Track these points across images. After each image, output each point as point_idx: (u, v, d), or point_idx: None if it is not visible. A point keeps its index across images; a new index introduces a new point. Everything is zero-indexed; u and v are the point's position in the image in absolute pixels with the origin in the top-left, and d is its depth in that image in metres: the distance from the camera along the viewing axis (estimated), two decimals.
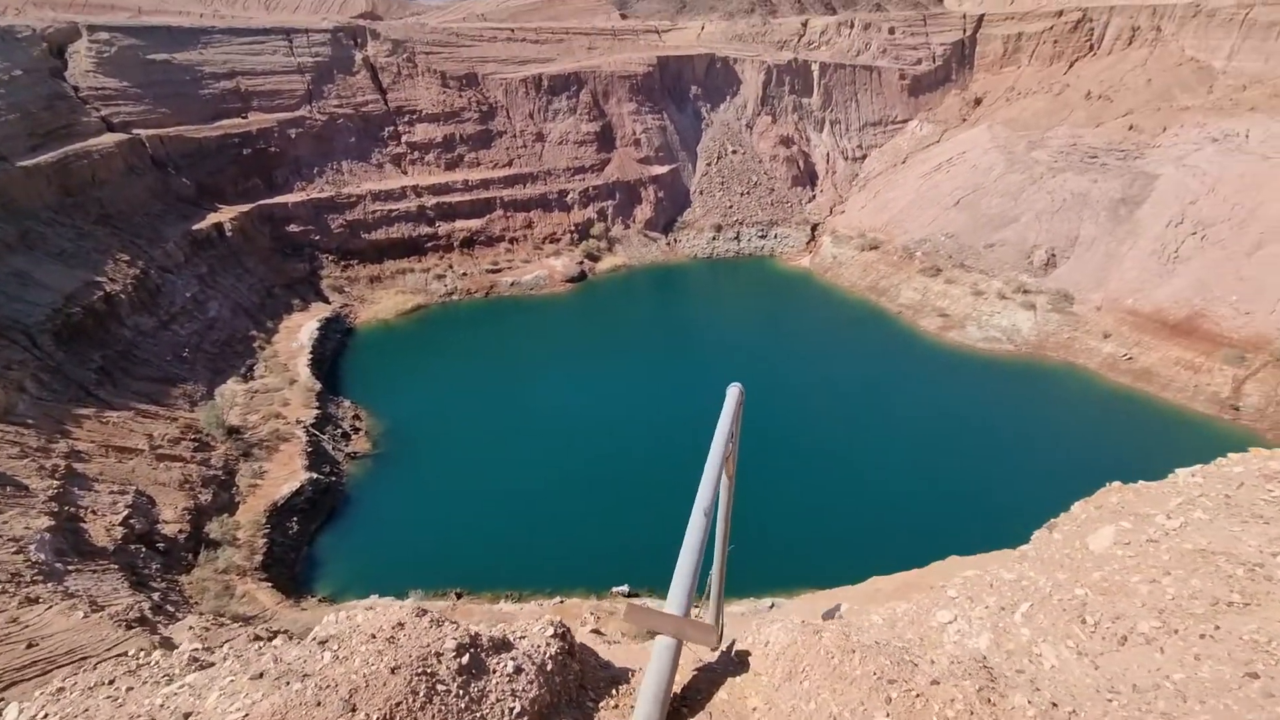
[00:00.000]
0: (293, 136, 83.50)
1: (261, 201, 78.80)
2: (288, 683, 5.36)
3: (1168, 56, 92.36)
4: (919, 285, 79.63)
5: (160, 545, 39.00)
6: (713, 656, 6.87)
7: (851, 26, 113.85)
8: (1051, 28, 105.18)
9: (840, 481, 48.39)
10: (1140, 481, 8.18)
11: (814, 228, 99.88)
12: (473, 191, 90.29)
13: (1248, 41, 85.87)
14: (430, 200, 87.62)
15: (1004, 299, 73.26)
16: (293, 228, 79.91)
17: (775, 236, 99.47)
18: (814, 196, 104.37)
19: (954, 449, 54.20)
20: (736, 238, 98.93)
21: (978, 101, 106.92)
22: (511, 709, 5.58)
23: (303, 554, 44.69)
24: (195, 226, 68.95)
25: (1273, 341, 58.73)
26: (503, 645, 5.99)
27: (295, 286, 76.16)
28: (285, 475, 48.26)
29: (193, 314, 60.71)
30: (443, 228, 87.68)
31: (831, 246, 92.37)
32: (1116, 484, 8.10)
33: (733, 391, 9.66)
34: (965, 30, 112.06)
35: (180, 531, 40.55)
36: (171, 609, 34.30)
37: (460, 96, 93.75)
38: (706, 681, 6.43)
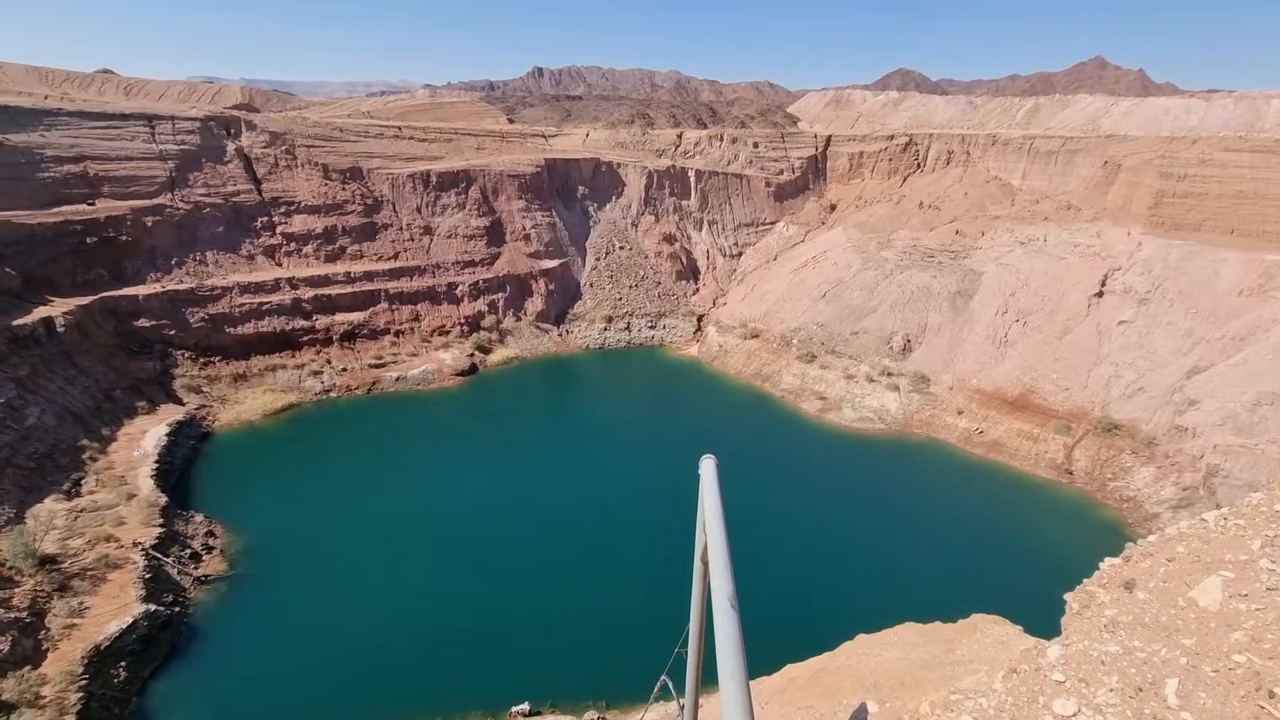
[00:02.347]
0: (149, 225, 77.21)
1: (105, 294, 70.98)
2: None
3: (978, 175, 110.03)
4: (798, 371, 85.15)
5: None
6: None
7: (721, 139, 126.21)
8: (886, 149, 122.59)
9: (738, 567, 48.44)
10: (1178, 527, 7.63)
11: (700, 318, 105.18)
12: (355, 283, 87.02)
13: (1034, 165, 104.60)
14: (308, 292, 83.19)
15: (872, 381, 79.85)
16: (142, 322, 72.24)
17: (664, 327, 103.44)
18: (698, 289, 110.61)
19: (843, 527, 56.49)
20: (627, 328, 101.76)
21: (833, 207, 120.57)
22: None
23: (130, 707, 37.30)
24: (17, 322, 60.39)
25: (1090, 412, 67.91)
26: None
27: (142, 388, 67.89)
28: (113, 610, 40.84)
29: (5, 423, 51.93)
30: (320, 321, 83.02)
31: (717, 336, 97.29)
32: (1176, 529, 7.50)
33: (710, 465, 8.28)
34: (817, 148, 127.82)
35: None
36: None
37: (344, 189, 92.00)
38: None
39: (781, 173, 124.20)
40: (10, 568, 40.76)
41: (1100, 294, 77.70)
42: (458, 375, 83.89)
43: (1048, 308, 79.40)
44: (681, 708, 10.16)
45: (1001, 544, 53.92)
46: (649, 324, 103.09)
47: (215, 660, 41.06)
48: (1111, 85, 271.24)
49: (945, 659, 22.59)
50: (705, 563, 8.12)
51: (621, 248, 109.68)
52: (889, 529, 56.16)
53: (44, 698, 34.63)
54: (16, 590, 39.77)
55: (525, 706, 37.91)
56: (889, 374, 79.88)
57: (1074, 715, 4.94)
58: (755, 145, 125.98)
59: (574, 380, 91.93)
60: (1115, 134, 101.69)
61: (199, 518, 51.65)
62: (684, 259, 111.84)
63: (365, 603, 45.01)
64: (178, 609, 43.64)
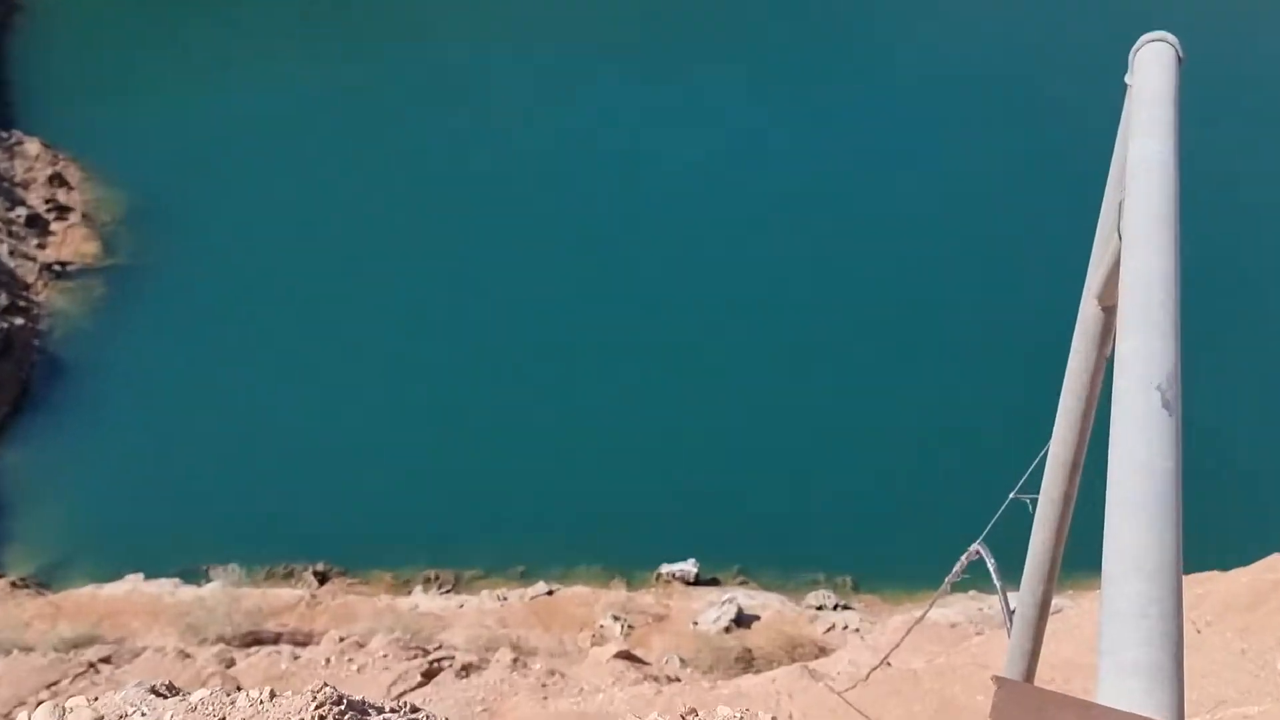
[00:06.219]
0: None
1: None
2: None
3: None
4: None
5: None
6: None
7: None
8: None
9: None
10: None
11: None
12: None
13: None
14: None
15: None
16: None
17: None
18: None
19: None
20: None
21: None
22: None
23: None
24: None
25: None
26: None
27: None
28: None
29: None
30: None
31: None
32: None
33: (1161, 54, 2.47)
34: None
35: None
36: None
37: None
38: None
39: None
40: None
41: None
42: None
43: None
44: (1009, 613, 4.98)
45: None
46: None
47: (96, 416, 22.54)
48: None
49: None
50: (1106, 310, 3.38)
51: None
52: None
53: None
54: None
55: (691, 564, 19.58)
56: None
57: None
58: None
59: None
60: None
61: (32, 147, 27.51)
62: None
63: (354, 333, 23.98)
64: (19, 321, 23.63)
